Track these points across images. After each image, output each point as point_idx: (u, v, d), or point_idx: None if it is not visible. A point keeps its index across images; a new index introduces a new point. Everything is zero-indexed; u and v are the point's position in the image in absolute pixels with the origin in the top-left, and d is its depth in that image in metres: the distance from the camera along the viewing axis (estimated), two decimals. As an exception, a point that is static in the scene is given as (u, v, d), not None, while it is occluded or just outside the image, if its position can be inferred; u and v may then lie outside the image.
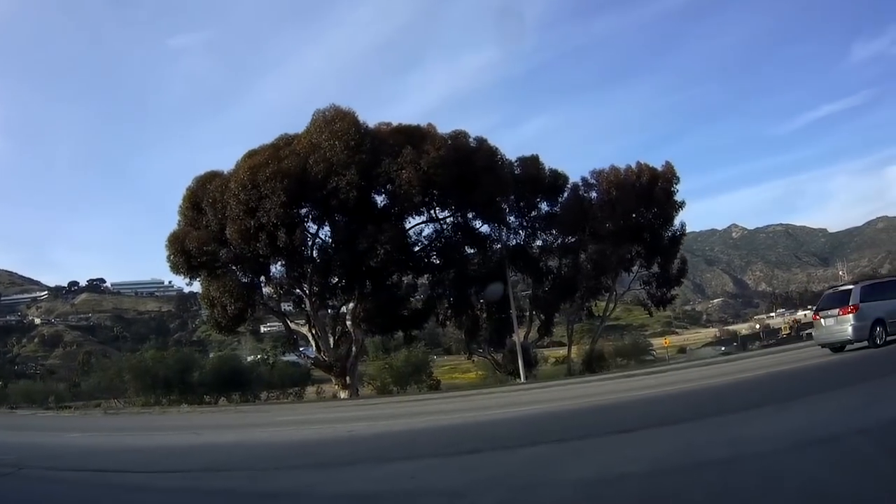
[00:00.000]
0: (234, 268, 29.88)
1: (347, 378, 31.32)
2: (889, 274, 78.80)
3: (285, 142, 29.59)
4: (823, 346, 18.94)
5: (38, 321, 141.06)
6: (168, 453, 10.89)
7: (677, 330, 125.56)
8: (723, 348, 63.66)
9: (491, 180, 29.88)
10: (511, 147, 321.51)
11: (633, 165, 36.34)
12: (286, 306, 34.44)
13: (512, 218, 34.84)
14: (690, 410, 10.36)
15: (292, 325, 33.68)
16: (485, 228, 34.26)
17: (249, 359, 46.85)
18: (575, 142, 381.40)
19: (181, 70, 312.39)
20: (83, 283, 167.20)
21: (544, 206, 35.71)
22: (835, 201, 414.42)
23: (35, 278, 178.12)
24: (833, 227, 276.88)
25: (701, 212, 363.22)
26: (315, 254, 30.73)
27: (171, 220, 30.83)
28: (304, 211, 29.40)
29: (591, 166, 48.08)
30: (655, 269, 38.18)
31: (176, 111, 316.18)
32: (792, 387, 12.31)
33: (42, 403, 35.93)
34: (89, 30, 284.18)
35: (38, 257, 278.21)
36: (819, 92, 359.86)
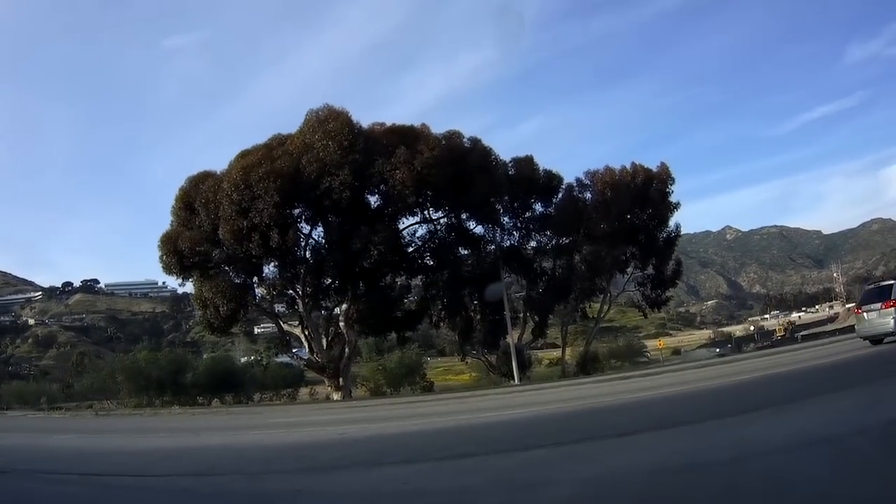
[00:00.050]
0: (226, 268, 29.71)
1: (340, 379, 31.18)
2: (884, 276, 79.12)
3: (278, 142, 29.46)
4: (865, 338, 19.43)
5: (32, 322, 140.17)
6: (156, 456, 10.72)
7: (671, 332, 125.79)
8: (718, 350, 63.57)
9: (485, 181, 29.81)
10: (506, 148, 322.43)
11: (628, 166, 36.28)
12: (279, 307, 34.22)
13: (506, 219, 34.77)
14: (689, 412, 10.25)
15: (285, 327, 33.55)
16: (479, 229, 34.24)
17: (243, 360, 46.75)
18: (570, 142, 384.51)
19: (175, 70, 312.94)
20: (77, 283, 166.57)
21: (538, 207, 35.70)
22: (829, 203, 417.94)
23: (29, 279, 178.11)
24: (827, 228, 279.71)
25: (695, 213, 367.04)
26: (308, 254, 30.53)
27: (164, 221, 30.70)
28: (297, 211, 29.29)
29: (586, 167, 47.95)
30: (650, 270, 38.09)
31: (170, 112, 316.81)
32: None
33: (34, 405, 35.62)
34: (83, 30, 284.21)
35: (32, 258, 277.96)
36: (814, 93, 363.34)
